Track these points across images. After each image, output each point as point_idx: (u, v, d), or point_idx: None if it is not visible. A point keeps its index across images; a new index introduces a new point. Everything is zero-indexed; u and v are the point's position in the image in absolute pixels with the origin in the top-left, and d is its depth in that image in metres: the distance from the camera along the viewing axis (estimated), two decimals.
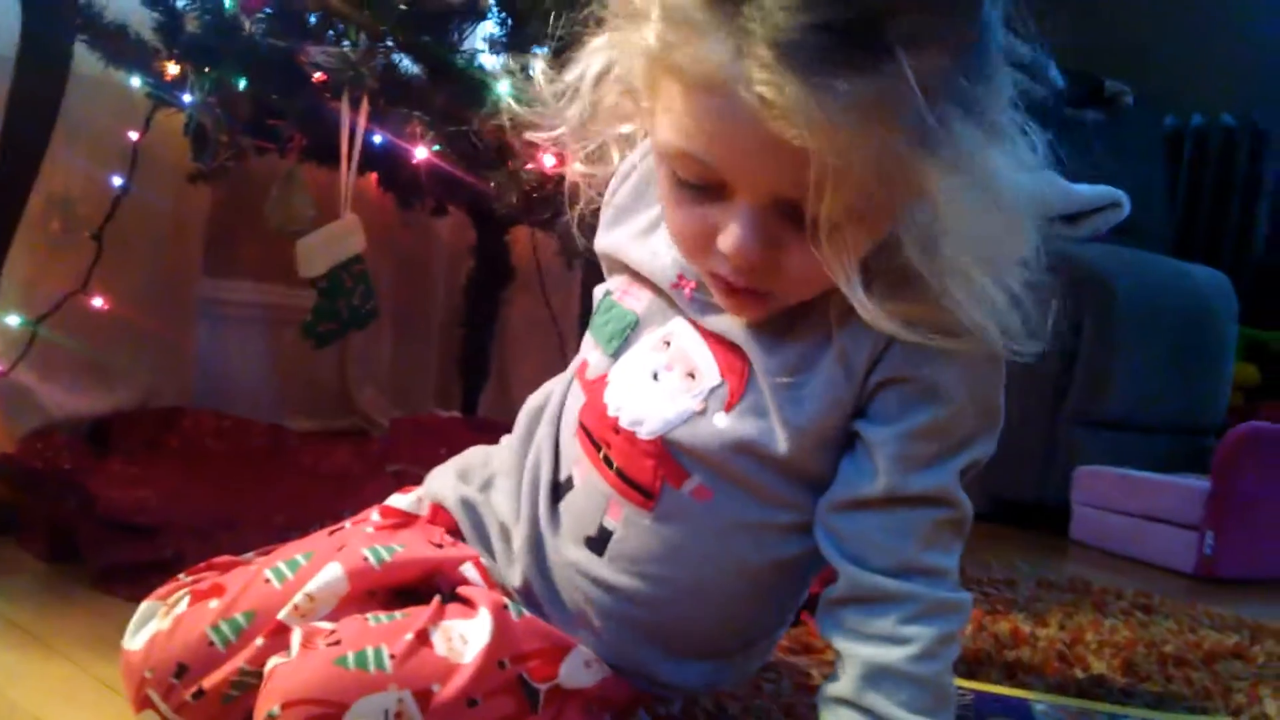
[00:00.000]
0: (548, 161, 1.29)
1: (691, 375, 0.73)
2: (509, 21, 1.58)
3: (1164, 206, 3.06)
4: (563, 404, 0.83)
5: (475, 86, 1.37)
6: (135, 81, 1.50)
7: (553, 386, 0.85)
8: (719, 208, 0.63)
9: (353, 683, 0.64)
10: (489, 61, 1.57)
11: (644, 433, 0.74)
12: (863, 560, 0.69)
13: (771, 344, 0.71)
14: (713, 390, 0.72)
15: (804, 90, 0.54)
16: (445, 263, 2.31)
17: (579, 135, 0.78)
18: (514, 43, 1.58)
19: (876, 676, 0.67)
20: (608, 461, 0.76)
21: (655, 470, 0.74)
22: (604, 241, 0.84)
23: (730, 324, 0.73)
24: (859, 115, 0.55)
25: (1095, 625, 1.31)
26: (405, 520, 0.86)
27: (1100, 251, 2.28)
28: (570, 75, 0.74)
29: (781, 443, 0.71)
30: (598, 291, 0.85)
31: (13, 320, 1.48)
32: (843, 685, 0.69)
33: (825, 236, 0.60)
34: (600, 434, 0.76)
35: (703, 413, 0.72)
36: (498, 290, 2.07)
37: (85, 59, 1.44)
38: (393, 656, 0.66)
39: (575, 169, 0.81)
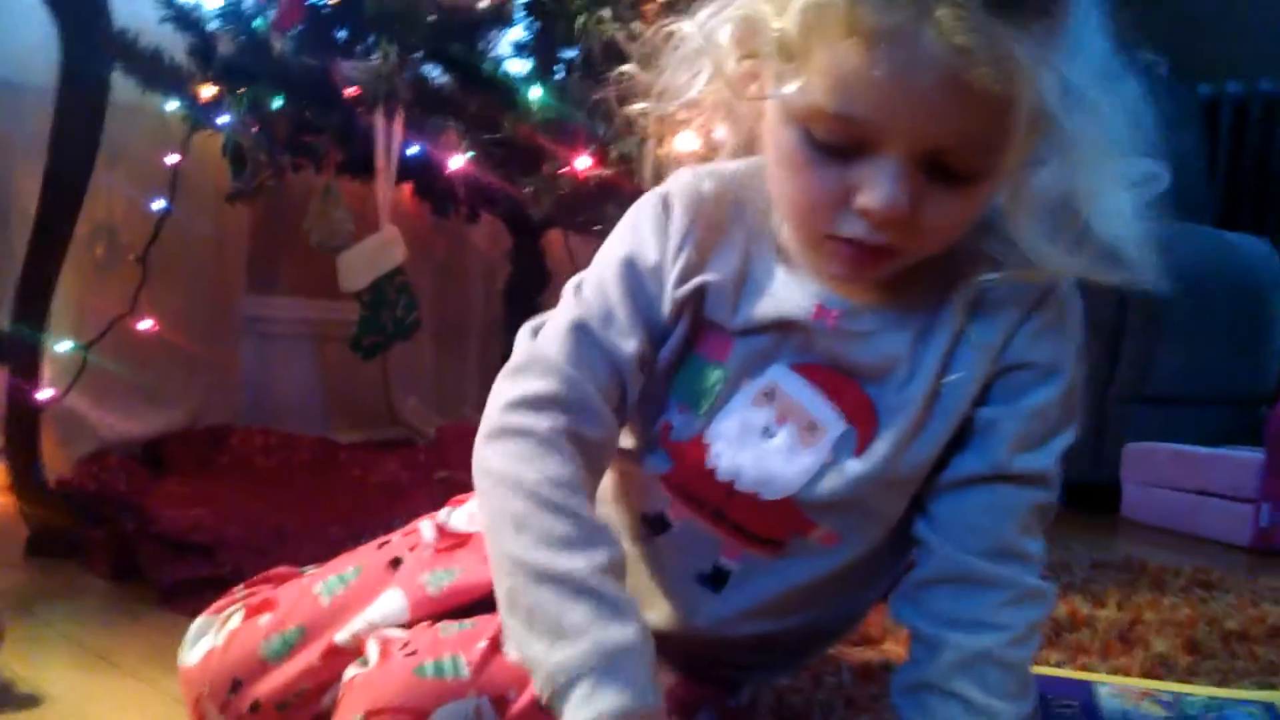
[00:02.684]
0: (581, 164, 1.30)
1: (811, 428, 0.70)
2: (535, 26, 1.59)
3: (1204, 177, 3.01)
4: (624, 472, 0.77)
5: (506, 92, 1.38)
6: (172, 105, 1.53)
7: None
8: (858, 167, 0.61)
9: (433, 690, 0.65)
10: (517, 67, 1.59)
11: (770, 494, 0.70)
12: (961, 542, 0.68)
13: (915, 353, 0.69)
14: (840, 438, 0.70)
15: (1004, 35, 0.55)
16: (481, 270, 2.33)
17: (691, 106, 0.72)
18: (541, 47, 1.59)
19: (968, 662, 0.66)
20: (719, 516, 0.72)
21: (783, 525, 0.72)
22: (685, 291, 0.72)
23: (871, 349, 0.69)
24: (1042, 57, 0.56)
25: (1154, 604, 1.30)
26: (461, 540, 0.83)
27: None
28: (692, 43, 0.69)
29: (919, 458, 0.69)
30: (667, 356, 0.73)
31: (64, 346, 1.50)
32: (928, 670, 0.67)
33: (1008, 183, 0.61)
34: (708, 497, 0.72)
35: (833, 463, 0.70)
36: (535, 295, 2.08)
37: (122, 86, 1.47)
38: (469, 664, 0.67)
39: (681, 140, 0.75)
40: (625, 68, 0.74)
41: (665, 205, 0.72)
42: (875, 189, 0.60)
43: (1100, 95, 0.60)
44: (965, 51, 0.55)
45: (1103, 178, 0.62)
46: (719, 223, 0.72)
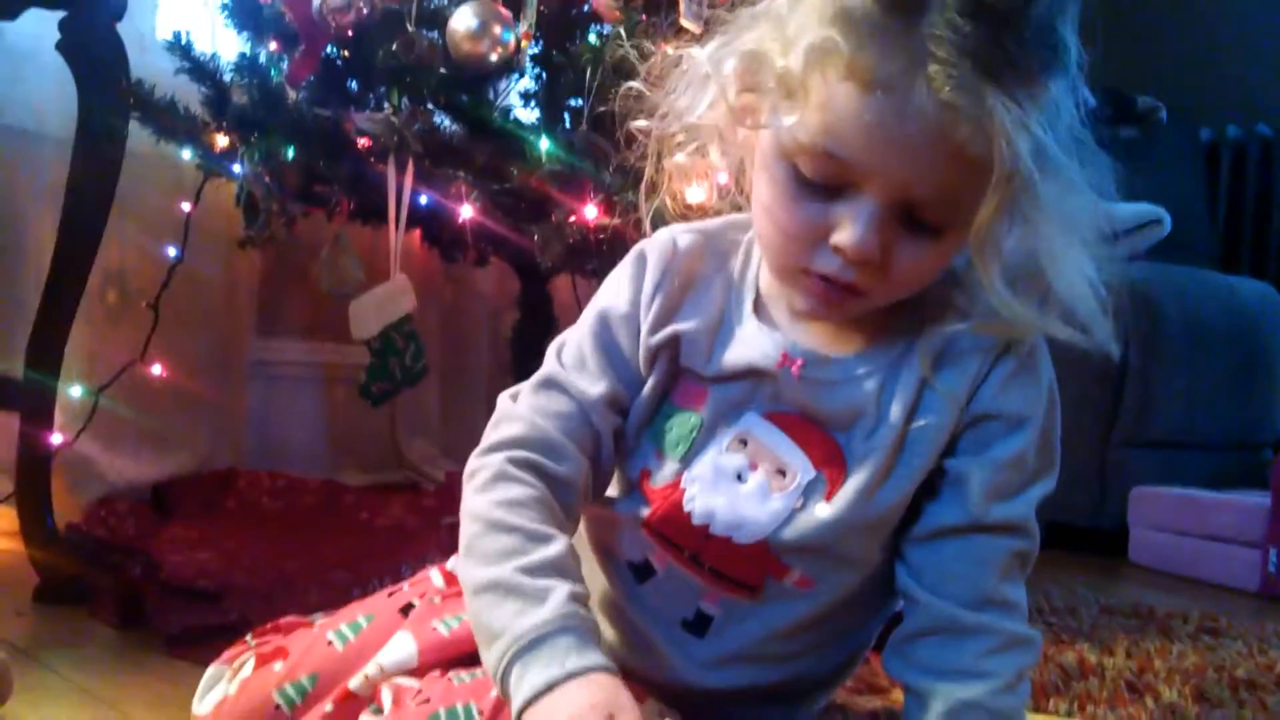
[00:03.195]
0: (589, 214, 1.31)
1: (782, 472, 0.72)
2: (543, 76, 1.61)
3: (1205, 221, 3.02)
4: (601, 516, 0.78)
5: (514, 142, 1.40)
6: (186, 154, 1.55)
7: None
8: (838, 205, 0.64)
9: None
10: (526, 116, 1.61)
11: (743, 538, 0.72)
12: (942, 592, 0.70)
13: (881, 401, 0.71)
14: (809, 483, 0.71)
15: (989, 97, 0.58)
16: (488, 314, 2.34)
17: (690, 129, 0.75)
18: (549, 97, 1.61)
19: (958, 712, 0.67)
20: (696, 560, 0.74)
21: (757, 569, 0.73)
22: (659, 339, 0.75)
23: (837, 397, 0.71)
24: (1022, 122, 0.58)
25: (1163, 651, 1.30)
26: None
27: (1143, 270, 2.26)
28: (700, 70, 0.72)
29: (885, 505, 0.71)
30: (643, 404, 0.76)
31: (75, 391, 1.51)
32: None
33: (980, 239, 0.63)
34: (685, 541, 0.74)
35: (802, 507, 0.71)
36: (542, 340, 2.08)
37: (137, 135, 1.49)
38: (481, 713, 0.67)
39: (677, 160, 0.77)
40: (633, 84, 0.77)
41: (640, 259, 0.77)
42: (850, 227, 0.63)
43: (1072, 166, 0.63)
44: (952, 108, 0.58)
45: (1067, 243, 0.65)
46: (694, 275, 0.76)
